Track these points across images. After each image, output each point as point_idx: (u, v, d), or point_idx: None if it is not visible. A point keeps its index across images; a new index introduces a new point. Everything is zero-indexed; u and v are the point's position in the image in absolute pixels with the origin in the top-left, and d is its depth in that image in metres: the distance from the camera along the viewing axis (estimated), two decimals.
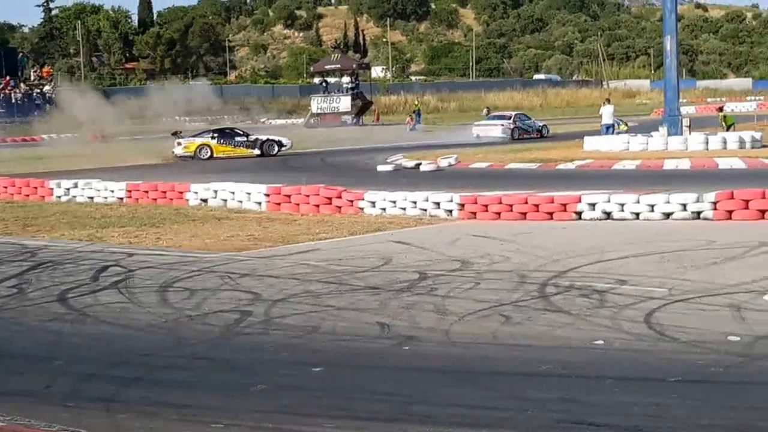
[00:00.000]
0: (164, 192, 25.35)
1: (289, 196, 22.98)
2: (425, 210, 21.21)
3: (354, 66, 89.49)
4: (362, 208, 21.93)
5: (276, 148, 45.54)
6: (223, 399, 8.34)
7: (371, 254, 15.79)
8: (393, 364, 9.33)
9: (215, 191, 24.51)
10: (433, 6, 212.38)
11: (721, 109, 50.23)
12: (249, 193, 23.80)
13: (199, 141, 44.48)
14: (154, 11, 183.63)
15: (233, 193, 24.20)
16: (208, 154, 43.75)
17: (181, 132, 46.64)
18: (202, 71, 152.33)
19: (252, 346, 10.17)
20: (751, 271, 13.07)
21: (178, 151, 43.86)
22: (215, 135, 45.24)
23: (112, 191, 26.08)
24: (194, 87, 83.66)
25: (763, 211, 18.42)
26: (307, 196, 22.65)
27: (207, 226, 20.22)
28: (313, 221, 20.70)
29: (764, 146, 37.61)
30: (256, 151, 44.78)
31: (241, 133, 46.72)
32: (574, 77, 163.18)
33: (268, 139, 46.16)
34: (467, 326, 10.58)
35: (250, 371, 9.26)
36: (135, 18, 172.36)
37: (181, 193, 25.00)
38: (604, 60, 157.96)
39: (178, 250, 16.97)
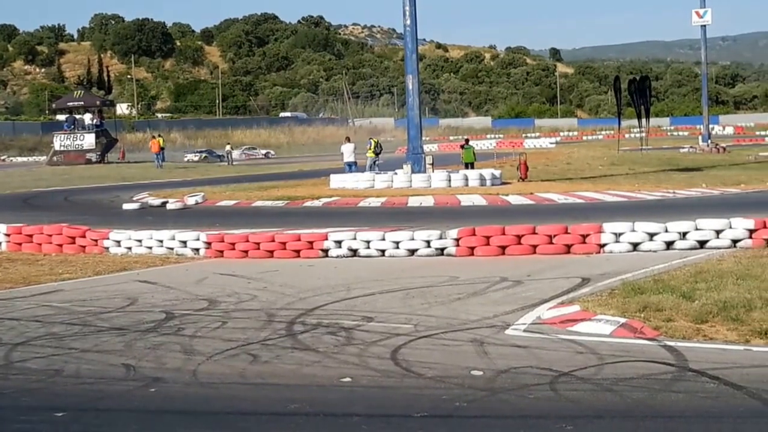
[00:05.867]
0: None
1: (30, 236, 22.40)
2: (172, 249, 21.00)
3: (98, 103, 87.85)
4: (107, 248, 21.58)
5: None
6: None
7: (117, 294, 15.53)
8: (139, 406, 9.13)
9: None
10: (178, 43, 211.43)
11: (467, 141, 51.05)
12: None
13: None
14: None
15: None
16: None
17: None
18: None
19: None
20: (493, 306, 13.41)
21: None
22: None
23: None
24: None
25: (503, 247, 18.95)
26: (50, 235, 22.13)
27: None
28: (57, 261, 20.22)
29: (503, 183, 38.81)
30: None
31: None
32: (320, 115, 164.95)
33: None
34: (215, 366, 10.49)
35: None
36: None
37: None
38: (349, 98, 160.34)
39: None
